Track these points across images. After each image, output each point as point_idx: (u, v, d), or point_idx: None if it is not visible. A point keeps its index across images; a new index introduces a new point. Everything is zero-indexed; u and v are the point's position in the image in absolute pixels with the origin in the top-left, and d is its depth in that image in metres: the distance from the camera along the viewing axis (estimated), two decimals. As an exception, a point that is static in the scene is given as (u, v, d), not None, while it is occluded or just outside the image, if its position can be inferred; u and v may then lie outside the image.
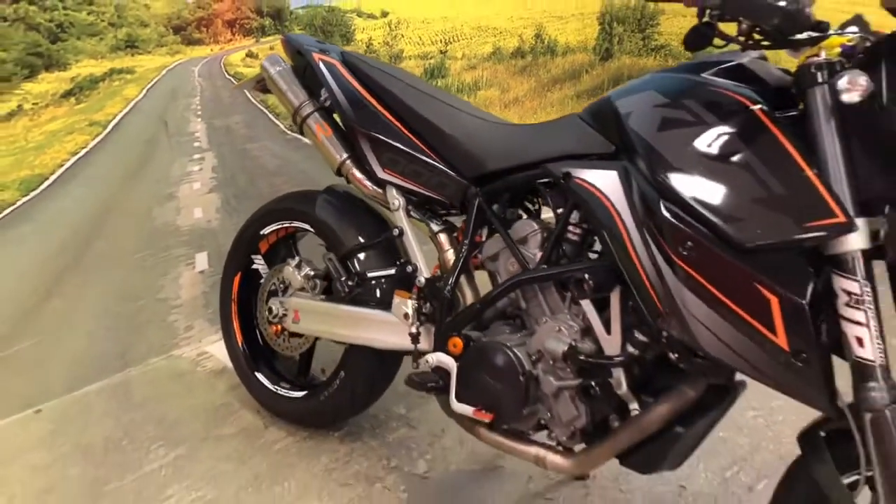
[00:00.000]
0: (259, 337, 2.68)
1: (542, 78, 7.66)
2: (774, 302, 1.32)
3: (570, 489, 2.23)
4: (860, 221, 1.27)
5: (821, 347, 1.32)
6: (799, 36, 1.34)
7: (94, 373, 3.10)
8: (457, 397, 1.88)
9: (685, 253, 1.41)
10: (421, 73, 6.98)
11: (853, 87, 1.23)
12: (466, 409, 1.85)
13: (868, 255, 1.30)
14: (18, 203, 7.28)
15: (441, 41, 7.25)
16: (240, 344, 2.68)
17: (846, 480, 1.37)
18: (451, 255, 2.03)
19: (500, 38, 7.34)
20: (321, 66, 2.20)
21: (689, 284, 1.41)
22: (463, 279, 1.99)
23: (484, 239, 1.96)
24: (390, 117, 2.07)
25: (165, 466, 2.45)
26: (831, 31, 1.37)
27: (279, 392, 2.58)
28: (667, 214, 1.42)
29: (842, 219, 1.26)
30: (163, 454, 2.51)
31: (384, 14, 6.66)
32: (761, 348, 1.35)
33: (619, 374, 1.66)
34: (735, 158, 1.37)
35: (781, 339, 1.33)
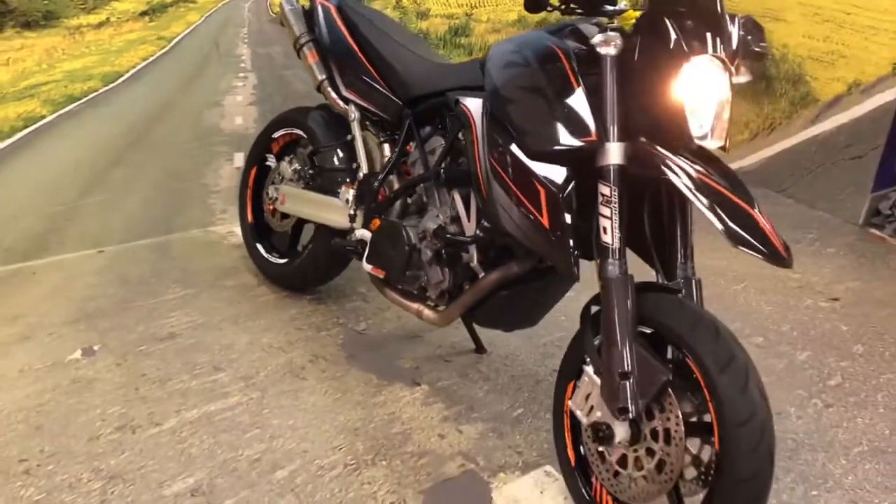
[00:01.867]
0: (262, 216, 3.39)
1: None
2: (543, 193, 1.86)
3: (466, 357, 2.82)
4: (617, 144, 1.73)
5: (571, 228, 1.84)
6: (608, 7, 1.83)
7: (144, 230, 3.92)
8: (366, 260, 2.52)
9: (496, 155, 1.96)
10: (445, 31, 7.52)
11: (606, 44, 1.73)
12: (368, 268, 2.50)
13: (624, 170, 1.78)
14: (100, 90, 9.30)
15: (467, 4, 7.68)
16: (249, 221, 3.40)
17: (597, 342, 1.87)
18: (387, 160, 2.65)
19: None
20: (319, 8, 2.84)
21: (496, 178, 1.97)
22: (392, 177, 2.61)
23: (412, 150, 2.57)
24: (356, 49, 2.69)
25: (176, 299, 3.22)
26: (628, 7, 1.86)
27: (269, 259, 3.29)
28: (490, 126, 1.99)
29: (594, 138, 1.77)
30: (177, 291, 3.29)
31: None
32: (534, 226, 1.88)
33: (472, 250, 2.23)
34: (538, 90, 1.90)
35: (545, 220, 1.87)
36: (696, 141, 1.65)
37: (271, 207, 3.20)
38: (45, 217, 4.67)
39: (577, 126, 1.81)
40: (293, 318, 3.08)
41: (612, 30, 1.77)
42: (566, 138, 1.80)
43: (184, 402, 2.50)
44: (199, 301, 3.21)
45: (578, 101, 1.81)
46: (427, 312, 2.43)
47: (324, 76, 2.83)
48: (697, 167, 1.65)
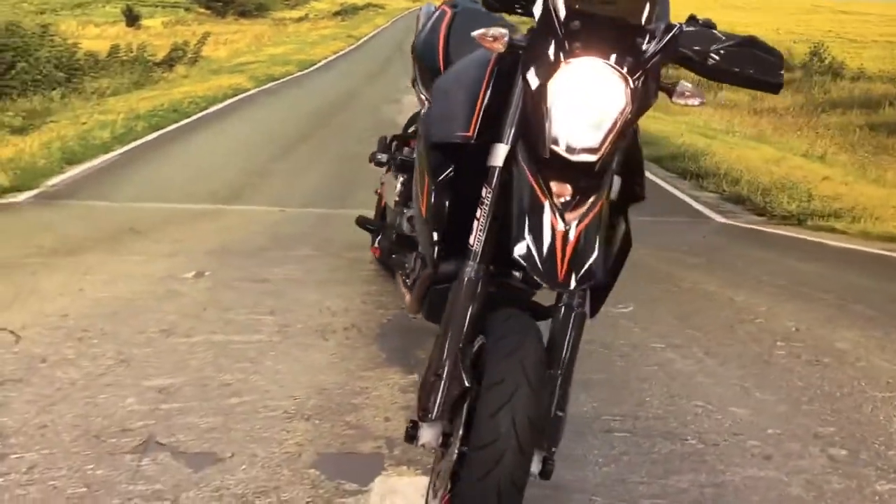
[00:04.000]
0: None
1: (816, 97, 6.75)
2: (426, 182, 1.74)
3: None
4: (499, 146, 1.54)
5: (441, 222, 1.69)
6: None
7: (318, 201, 4.37)
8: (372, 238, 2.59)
9: (419, 145, 1.90)
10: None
11: (485, 39, 1.58)
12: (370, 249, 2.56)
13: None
14: (295, 74, 11.11)
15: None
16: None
17: None
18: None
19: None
20: (432, 9, 2.93)
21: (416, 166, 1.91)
22: None
23: None
24: (439, 56, 2.72)
25: (298, 256, 3.58)
26: None
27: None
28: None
29: (469, 134, 1.62)
30: (304, 251, 3.66)
31: None
32: (418, 213, 1.81)
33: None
34: (452, 87, 1.79)
35: (423, 207, 1.75)
36: (555, 149, 1.42)
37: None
38: (242, 172, 5.44)
39: (459, 122, 1.69)
40: (368, 293, 3.18)
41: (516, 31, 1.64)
42: (445, 132, 1.70)
43: (222, 327, 2.75)
44: (312, 262, 3.50)
45: (472, 98, 1.68)
46: (406, 298, 2.38)
47: (414, 75, 2.92)
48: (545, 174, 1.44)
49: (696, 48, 1.59)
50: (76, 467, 1.88)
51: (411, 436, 1.53)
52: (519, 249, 1.39)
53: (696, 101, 1.58)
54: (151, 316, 2.81)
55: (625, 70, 1.44)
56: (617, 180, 1.58)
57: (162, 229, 4.07)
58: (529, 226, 1.40)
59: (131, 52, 7.73)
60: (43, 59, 4.58)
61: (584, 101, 1.43)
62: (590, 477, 2.01)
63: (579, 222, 1.41)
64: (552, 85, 1.43)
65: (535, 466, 1.46)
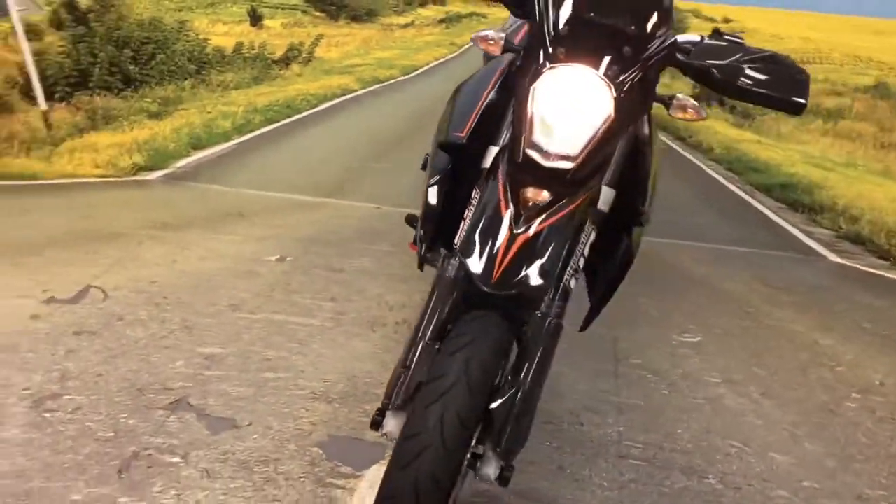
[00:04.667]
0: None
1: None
2: (428, 178, 1.77)
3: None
4: (492, 148, 1.57)
5: (434, 217, 1.68)
6: None
7: (412, 201, 4.47)
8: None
9: None
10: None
11: (484, 41, 1.59)
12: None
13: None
14: (398, 78, 11.27)
15: (797, 60, 6.31)
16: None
17: None
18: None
19: (887, 74, 5.95)
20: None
21: None
22: None
23: None
24: None
25: (375, 250, 3.69)
26: None
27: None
28: None
29: (461, 135, 1.63)
30: (382, 246, 3.77)
31: (726, 20, 6.21)
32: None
33: None
34: (466, 89, 1.80)
35: (423, 201, 1.77)
36: (529, 153, 1.42)
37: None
38: (344, 169, 5.62)
39: (457, 124, 1.70)
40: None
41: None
42: (444, 132, 1.72)
43: (284, 308, 2.92)
44: (388, 257, 3.62)
45: (475, 101, 1.69)
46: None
47: None
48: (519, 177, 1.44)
49: (713, 62, 1.53)
50: (112, 415, 2.08)
51: (376, 423, 1.58)
52: (463, 246, 1.41)
53: (696, 116, 1.52)
54: (226, 291, 3.03)
55: (612, 79, 1.43)
56: (608, 192, 1.54)
57: (263, 215, 4.36)
58: (482, 226, 1.41)
59: (253, 49, 8.29)
60: (178, 52, 5.10)
61: (566, 107, 1.43)
62: (587, 498, 1.96)
63: (532, 227, 1.40)
64: (534, 89, 1.44)
65: (493, 471, 1.46)
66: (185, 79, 5.32)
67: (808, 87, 1.53)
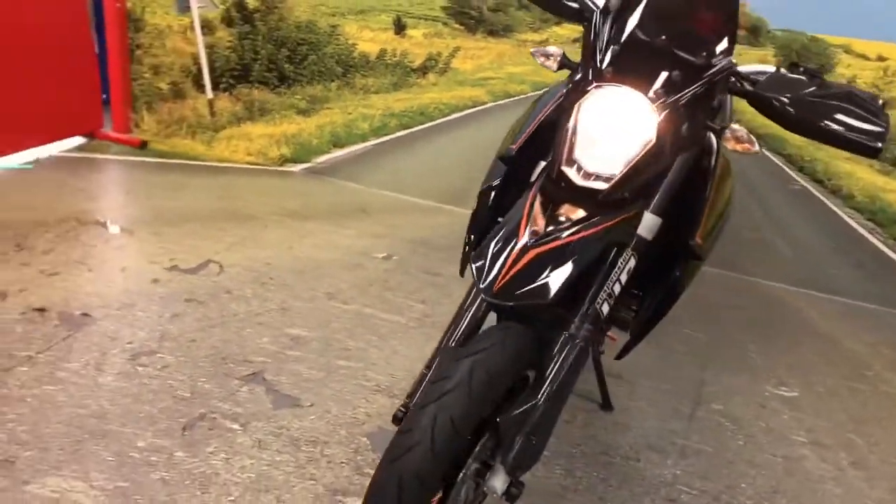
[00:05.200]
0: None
1: None
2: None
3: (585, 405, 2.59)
4: (542, 164, 1.61)
5: (477, 230, 1.76)
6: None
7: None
8: None
9: None
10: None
11: (544, 56, 1.62)
12: None
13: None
14: (528, 94, 11.06)
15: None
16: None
17: None
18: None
19: None
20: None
21: None
22: None
23: None
24: None
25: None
26: None
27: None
28: None
29: (514, 148, 1.69)
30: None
31: (881, 59, 5.49)
32: None
33: None
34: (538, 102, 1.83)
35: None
36: (565, 170, 1.42)
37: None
38: (467, 178, 5.62)
39: (514, 138, 1.76)
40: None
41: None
42: (503, 145, 1.76)
43: (375, 303, 3.06)
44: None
45: (534, 116, 1.73)
46: None
47: None
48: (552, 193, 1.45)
49: (782, 94, 1.47)
50: (193, 377, 2.29)
51: (397, 418, 1.64)
52: (476, 253, 1.43)
53: (749, 149, 1.46)
54: (328, 280, 3.22)
55: (658, 102, 1.41)
56: (652, 219, 1.51)
57: (383, 214, 4.55)
58: (500, 236, 1.43)
59: (395, 56, 8.54)
60: (328, 55, 5.45)
61: (606, 127, 1.43)
62: (618, 535, 1.92)
63: (552, 242, 1.40)
64: (578, 107, 1.45)
65: (500, 485, 1.48)
66: (333, 80, 5.69)
67: (887, 130, 1.43)
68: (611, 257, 1.52)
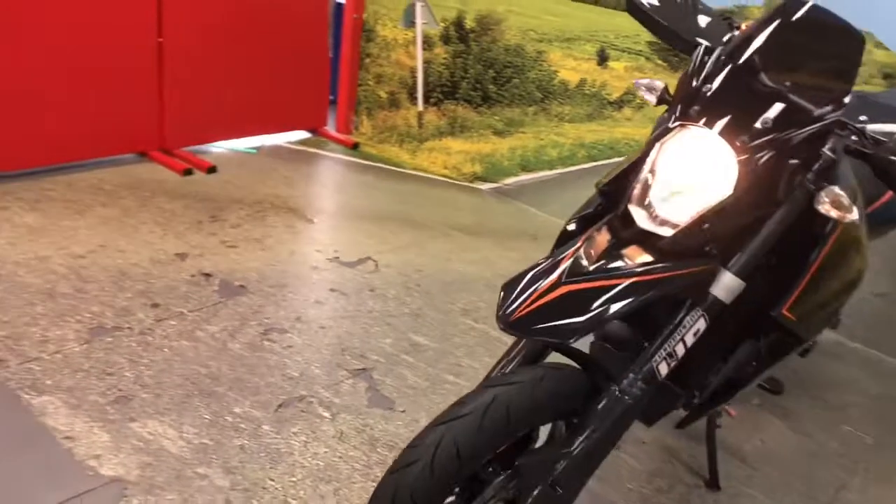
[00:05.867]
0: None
1: None
2: None
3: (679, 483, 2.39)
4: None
5: None
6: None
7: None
8: None
9: None
10: None
11: (647, 89, 1.58)
12: None
13: None
14: None
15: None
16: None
17: None
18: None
19: None
20: None
21: None
22: None
23: None
24: None
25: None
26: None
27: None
28: None
29: (605, 181, 1.64)
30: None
31: None
32: None
33: None
34: None
35: None
36: (630, 208, 1.35)
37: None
38: None
39: (612, 171, 1.69)
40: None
41: None
42: (603, 176, 1.69)
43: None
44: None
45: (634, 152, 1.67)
46: None
47: None
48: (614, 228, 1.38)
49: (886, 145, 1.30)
50: (309, 361, 2.49)
51: None
52: (510, 280, 1.40)
53: (842, 215, 1.30)
54: (468, 296, 3.30)
55: (746, 152, 1.31)
56: (732, 280, 1.39)
57: (551, 241, 4.49)
58: (540, 268, 1.39)
59: (594, 87, 8.22)
60: (530, 79, 5.45)
61: (684, 171, 1.35)
62: None
63: (584, 280, 1.34)
64: (659, 146, 1.39)
65: None
66: (531, 105, 5.71)
67: None
68: (681, 314, 1.42)
